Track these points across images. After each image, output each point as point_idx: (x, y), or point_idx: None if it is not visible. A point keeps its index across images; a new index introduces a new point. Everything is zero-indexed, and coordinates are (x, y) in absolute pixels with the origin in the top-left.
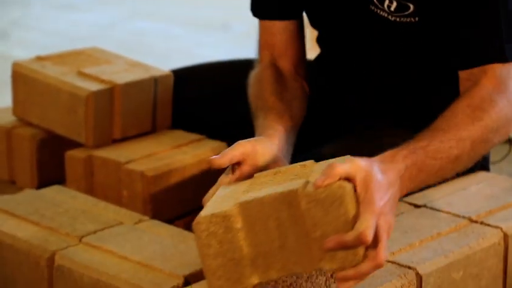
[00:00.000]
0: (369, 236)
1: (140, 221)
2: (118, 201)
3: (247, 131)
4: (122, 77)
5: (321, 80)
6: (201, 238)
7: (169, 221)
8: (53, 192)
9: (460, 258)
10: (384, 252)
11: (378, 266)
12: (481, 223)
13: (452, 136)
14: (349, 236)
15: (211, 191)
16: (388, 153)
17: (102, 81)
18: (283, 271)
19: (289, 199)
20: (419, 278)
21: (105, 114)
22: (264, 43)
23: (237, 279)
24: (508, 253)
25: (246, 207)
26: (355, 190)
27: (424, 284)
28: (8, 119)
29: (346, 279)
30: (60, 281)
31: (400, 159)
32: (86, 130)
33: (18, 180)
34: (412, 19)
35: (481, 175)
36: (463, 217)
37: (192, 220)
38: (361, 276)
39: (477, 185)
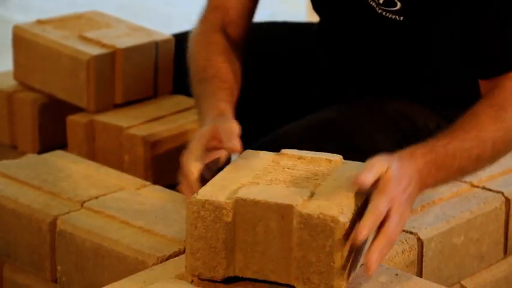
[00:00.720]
0: (379, 214)
1: (142, 186)
2: (119, 166)
3: (249, 95)
4: (123, 41)
5: (320, 49)
6: (189, 218)
7: (171, 186)
8: (54, 157)
9: (461, 223)
10: (392, 226)
11: (388, 240)
12: (483, 188)
13: (473, 136)
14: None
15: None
16: (407, 151)
17: (104, 45)
18: (259, 274)
19: (283, 212)
20: (420, 243)
21: (106, 79)
22: (216, 5)
23: (213, 267)
24: (509, 218)
25: (240, 204)
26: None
27: (425, 249)
28: (9, 83)
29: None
30: (62, 245)
31: (418, 156)
32: (87, 94)
33: (20, 145)
34: (397, 17)
35: None
36: (465, 182)
37: None
38: (379, 254)
39: None
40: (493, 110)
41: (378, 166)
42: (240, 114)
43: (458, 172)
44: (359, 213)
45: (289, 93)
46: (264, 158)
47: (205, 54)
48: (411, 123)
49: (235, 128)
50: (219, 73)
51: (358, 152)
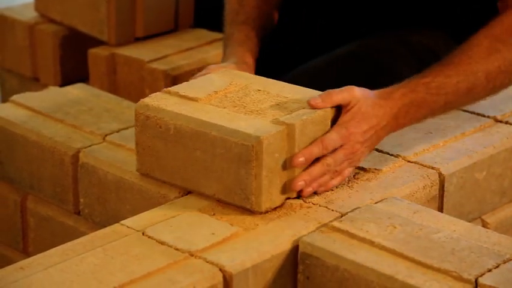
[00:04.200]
0: (324, 147)
1: None
2: (141, 99)
3: (272, 32)
4: None
5: None
6: (137, 119)
7: None
8: (76, 90)
9: (484, 158)
10: (331, 160)
11: (322, 170)
12: (506, 123)
13: (462, 70)
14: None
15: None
16: (387, 90)
17: None
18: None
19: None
20: (442, 178)
21: (127, 12)
22: None
23: (149, 166)
24: None
25: (183, 129)
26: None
27: (447, 184)
28: (31, 14)
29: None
30: (85, 178)
31: (397, 97)
32: (108, 28)
33: (42, 77)
34: None
35: None
36: (488, 117)
37: None
38: (308, 177)
39: None
40: (488, 41)
41: (334, 96)
42: (267, 53)
43: (445, 107)
44: None
45: (313, 29)
46: (233, 84)
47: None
48: (435, 56)
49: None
50: (250, 19)
51: (380, 85)
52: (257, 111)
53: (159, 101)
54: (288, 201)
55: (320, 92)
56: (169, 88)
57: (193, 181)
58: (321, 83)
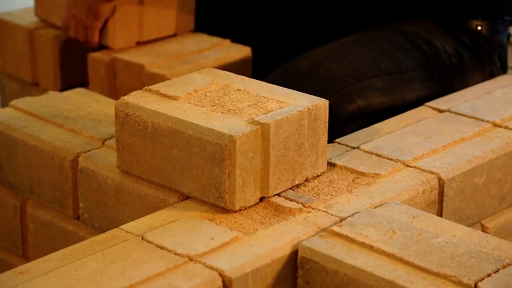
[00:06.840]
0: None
1: None
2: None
3: (271, 34)
4: None
5: None
6: (117, 117)
7: None
8: (76, 94)
9: (483, 163)
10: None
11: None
12: (505, 127)
13: None
14: None
15: None
16: None
17: None
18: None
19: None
20: (441, 182)
21: (128, 16)
22: None
23: (129, 164)
24: None
25: (160, 127)
26: None
27: (446, 189)
28: (31, 19)
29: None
30: (84, 183)
31: None
32: (108, 32)
33: (42, 82)
34: None
35: (505, 79)
36: (487, 121)
37: None
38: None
39: (502, 89)
40: None
41: None
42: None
43: None
44: None
45: (312, 23)
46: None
47: None
48: (430, 45)
49: None
50: None
51: (383, 73)
52: (234, 110)
53: (138, 99)
54: (287, 206)
55: (294, 92)
56: (151, 86)
57: (170, 179)
58: (323, 70)
